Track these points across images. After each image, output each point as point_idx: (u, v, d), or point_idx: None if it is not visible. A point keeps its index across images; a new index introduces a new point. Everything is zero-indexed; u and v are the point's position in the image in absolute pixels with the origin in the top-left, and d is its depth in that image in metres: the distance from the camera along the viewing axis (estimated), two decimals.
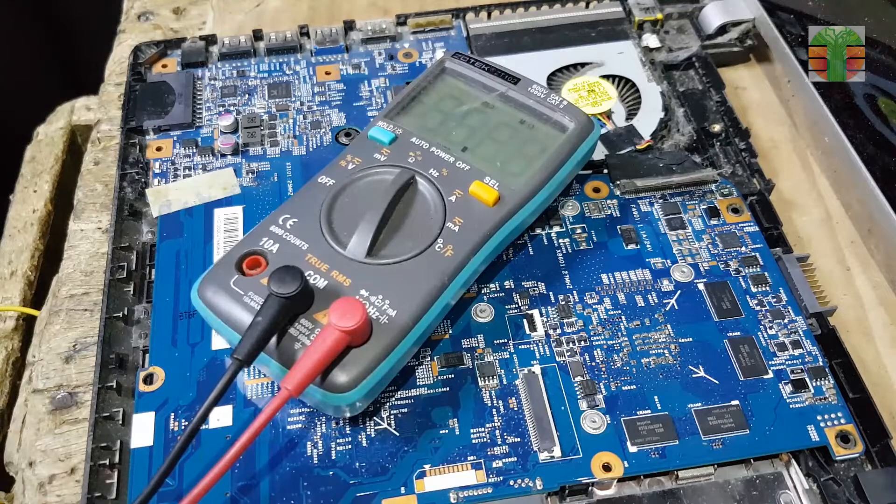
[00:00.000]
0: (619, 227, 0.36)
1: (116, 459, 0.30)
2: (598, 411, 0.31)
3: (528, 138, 0.35)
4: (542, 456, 0.30)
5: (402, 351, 0.30)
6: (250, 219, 0.37)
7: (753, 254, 0.35)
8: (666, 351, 0.32)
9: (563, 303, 0.34)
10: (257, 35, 0.45)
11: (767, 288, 0.34)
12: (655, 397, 0.31)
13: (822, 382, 0.31)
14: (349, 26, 0.45)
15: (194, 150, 0.40)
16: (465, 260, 0.32)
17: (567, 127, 0.35)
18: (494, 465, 0.29)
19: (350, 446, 0.30)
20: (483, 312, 0.34)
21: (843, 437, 0.30)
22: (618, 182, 0.38)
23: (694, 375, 0.32)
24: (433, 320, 0.31)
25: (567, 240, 0.36)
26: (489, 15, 0.45)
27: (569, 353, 0.32)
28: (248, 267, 0.31)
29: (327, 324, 0.28)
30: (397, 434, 0.30)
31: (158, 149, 0.40)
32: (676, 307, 0.34)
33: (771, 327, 0.33)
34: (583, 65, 0.43)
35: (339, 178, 0.34)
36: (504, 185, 0.33)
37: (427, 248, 0.32)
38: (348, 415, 0.30)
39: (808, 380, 0.31)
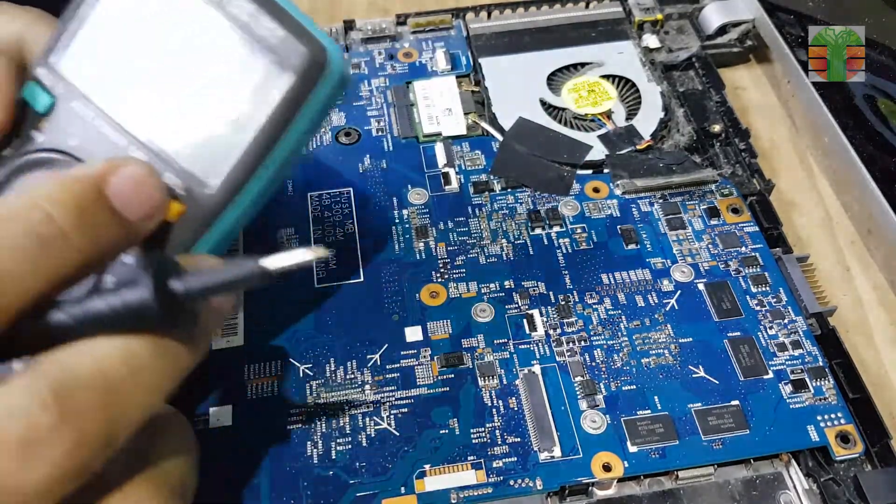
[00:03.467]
0: (619, 227, 0.36)
1: None
2: (598, 411, 0.31)
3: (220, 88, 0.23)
4: (542, 456, 0.30)
5: None
6: None
7: (753, 254, 0.35)
8: (666, 351, 0.32)
9: (563, 303, 0.34)
10: None
11: (767, 288, 0.34)
12: (655, 397, 0.31)
13: (822, 382, 0.31)
14: (349, 26, 0.45)
15: None
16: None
17: (288, 64, 0.22)
18: (494, 465, 0.29)
19: (350, 446, 0.30)
20: (483, 312, 0.34)
21: (843, 437, 0.30)
22: (618, 182, 0.38)
23: (694, 375, 0.32)
24: None
25: (567, 240, 0.36)
26: (489, 15, 0.45)
27: (569, 353, 0.32)
28: None
29: None
30: (397, 434, 0.30)
31: None
32: (676, 307, 0.34)
33: (771, 327, 0.33)
34: (583, 65, 0.43)
35: None
36: (194, 182, 0.22)
37: None
38: None
39: (808, 380, 0.31)
